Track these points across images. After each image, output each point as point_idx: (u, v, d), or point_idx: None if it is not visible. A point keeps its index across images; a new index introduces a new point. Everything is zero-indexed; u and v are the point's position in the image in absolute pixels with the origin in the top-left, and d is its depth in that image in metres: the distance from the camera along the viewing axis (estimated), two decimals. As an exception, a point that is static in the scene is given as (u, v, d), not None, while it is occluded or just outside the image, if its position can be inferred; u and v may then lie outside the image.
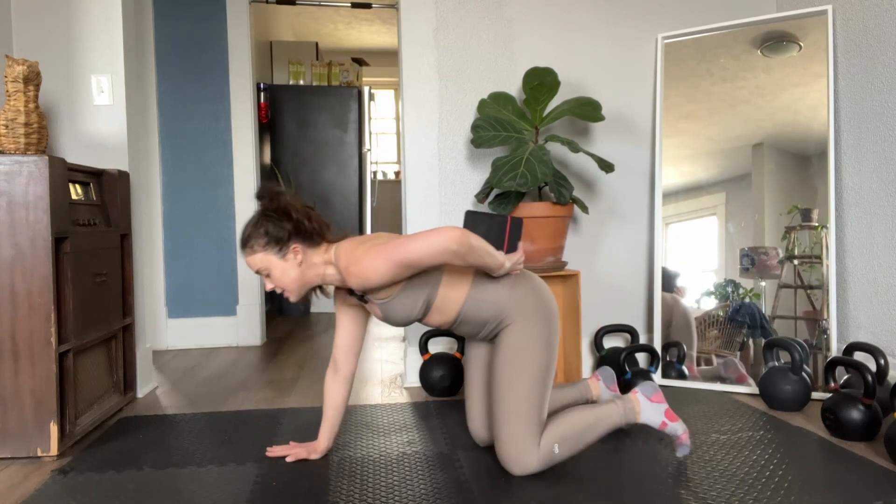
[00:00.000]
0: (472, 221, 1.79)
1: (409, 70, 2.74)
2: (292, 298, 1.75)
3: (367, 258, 1.59)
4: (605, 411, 1.77)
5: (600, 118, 2.50)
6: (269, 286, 1.74)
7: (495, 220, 1.76)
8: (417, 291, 1.70)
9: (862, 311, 2.44)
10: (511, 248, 1.76)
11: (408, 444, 2.00)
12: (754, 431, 2.05)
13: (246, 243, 1.70)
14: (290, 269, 1.70)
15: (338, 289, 1.87)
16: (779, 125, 2.58)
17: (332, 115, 4.93)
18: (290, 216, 1.68)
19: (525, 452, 1.68)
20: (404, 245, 1.55)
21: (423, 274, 1.70)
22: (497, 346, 1.75)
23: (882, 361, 2.08)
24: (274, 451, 1.90)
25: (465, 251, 1.55)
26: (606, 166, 2.46)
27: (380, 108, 7.23)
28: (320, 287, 1.80)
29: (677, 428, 1.79)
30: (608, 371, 2.14)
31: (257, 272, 1.73)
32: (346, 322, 1.88)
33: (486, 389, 1.94)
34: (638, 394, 1.81)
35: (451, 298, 1.73)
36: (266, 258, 1.69)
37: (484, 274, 1.75)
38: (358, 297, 1.77)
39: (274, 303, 4.97)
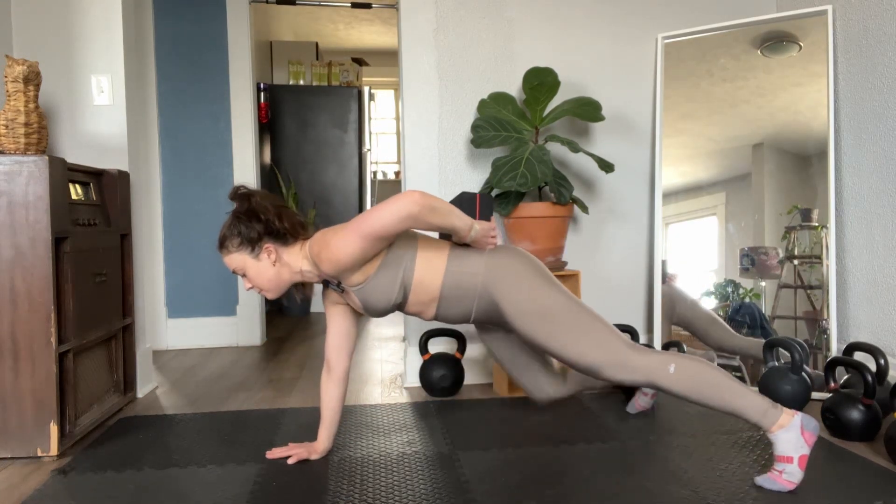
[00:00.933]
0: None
1: (409, 70, 2.74)
2: (269, 296, 1.80)
3: (335, 239, 1.62)
4: (747, 391, 1.61)
5: (600, 118, 2.50)
6: (246, 286, 1.78)
7: (465, 196, 1.77)
8: (393, 271, 1.70)
9: (862, 311, 2.44)
10: (484, 219, 1.78)
11: (408, 444, 2.01)
12: (754, 431, 2.05)
13: (222, 244, 1.76)
14: (264, 268, 1.74)
15: (325, 288, 1.88)
16: (779, 125, 2.58)
17: (332, 115, 4.93)
18: (260, 217, 1.71)
19: (620, 355, 1.63)
20: (367, 217, 1.58)
21: (397, 252, 1.70)
22: (514, 327, 1.73)
23: (882, 361, 2.08)
24: (274, 453, 1.90)
25: (427, 212, 1.57)
26: (606, 166, 2.46)
27: (380, 108, 7.22)
28: (303, 285, 1.82)
29: (794, 474, 1.59)
30: None
31: (234, 272, 1.78)
32: (335, 321, 1.89)
33: (523, 356, 1.96)
34: (797, 416, 1.61)
35: (430, 276, 1.72)
36: (241, 258, 1.74)
37: (460, 247, 1.76)
38: (335, 286, 1.77)
39: (274, 303, 4.97)
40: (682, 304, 2.68)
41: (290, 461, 1.86)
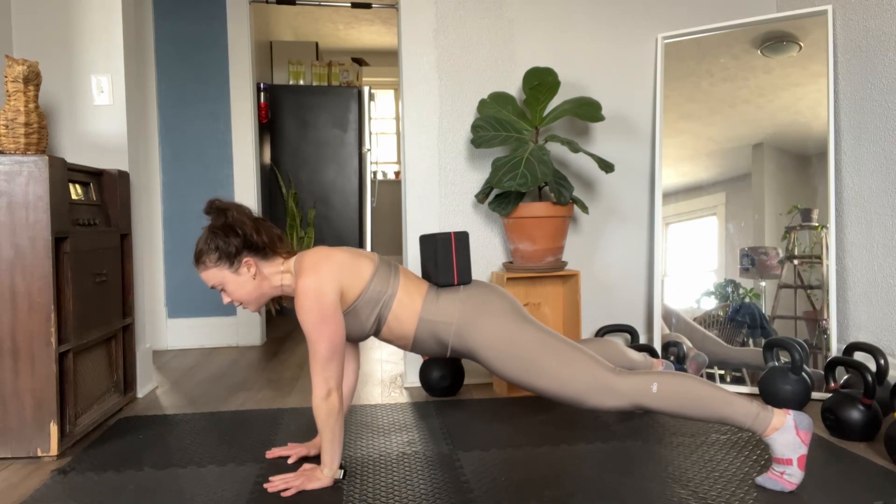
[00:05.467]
0: (423, 243, 1.82)
1: (409, 70, 2.74)
2: (249, 309, 1.78)
3: (306, 299, 1.61)
4: (734, 399, 1.59)
5: (600, 118, 2.50)
6: (225, 300, 1.75)
7: (440, 238, 1.77)
8: (368, 310, 1.71)
9: (862, 311, 2.44)
10: (461, 261, 1.76)
11: (408, 444, 2.01)
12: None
13: (198, 260, 1.72)
14: (244, 282, 1.72)
15: None
16: (779, 125, 2.58)
17: (332, 115, 4.93)
18: (237, 231, 1.69)
19: (602, 382, 1.62)
20: (318, 335, 1.60)
21: (375, 290, 1.70)
22: (492, 369, 1.73)
23: (882, 361, 2.08)
24: (273, 452, 1.90)
25: (324, 415, 1.63)
26: (606, 166, 2.46)
27: (380, 108, 7.22)
28: (280, 298, 1.81)
29: (794, 475, 1.58)
30: (670, 365, 2.16)
31: (212, 287, 1.74)
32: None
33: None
34: (789, 416, 1.58)
35: (404, 319, 1.73)
36: (219, 273, 1.71)
37: (435, 290, 1.75)
38: None
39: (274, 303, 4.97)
40: (676, 319, 2.69)
41: (290, 460, 1.86)
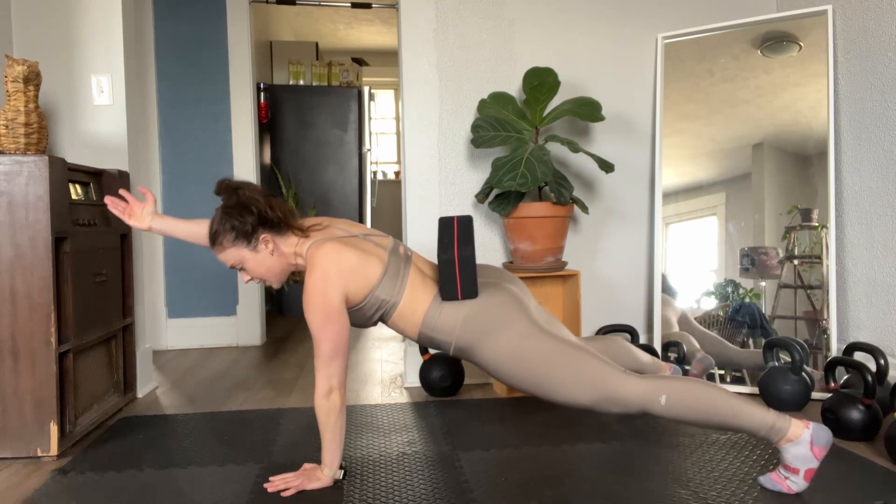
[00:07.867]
0: (440, 226, 1.82)
1: (409, 70, 2.74)
2: (273, 285, 1.78)
3: (312, 293, 1.61)
4: (750, 408, 1.55)
5: (600, 118, 2.50)
6: (245, 278, 1.75)
7: (444, 221, 1.77)
8: (371, 308, 1.70)
9: (862, 311, 2.44)
10: (463, 243, 1.70)
11: (408, 444, 2.01)
12: (754, 431, 2.05)
13: (215, 241, 1.71)
14: (263, 259, 1.72)
15: None
16: (779, 125, 2.58)
17: (332, 115, 4.93)
18: (251, 209, 1.68)
19: (609, 388, 1.59)
20: (322, 333, 1.61)
21: (379, 296, 1.69)
22: (496, 377, 1.71)
23: (882, 361, 2.08)
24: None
25: (323, 415, 1.65)
26: (606, 166, 2.46)
27: (380, 108, 7.22)
28: (293, 273, 1.81)
29: (797, 484, 1.58)
30: (677, 370, 2.14)
31: (231, 267, 1.75)
32: None
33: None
34: (807, 431, 1.55)
35: (406, 323, 1.72)
36: (237, 252, 1.71)
37: (438, 304, 1.70)
38: None
39: (273, 303, 4.97)
40: (677, 316, 2.69)
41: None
